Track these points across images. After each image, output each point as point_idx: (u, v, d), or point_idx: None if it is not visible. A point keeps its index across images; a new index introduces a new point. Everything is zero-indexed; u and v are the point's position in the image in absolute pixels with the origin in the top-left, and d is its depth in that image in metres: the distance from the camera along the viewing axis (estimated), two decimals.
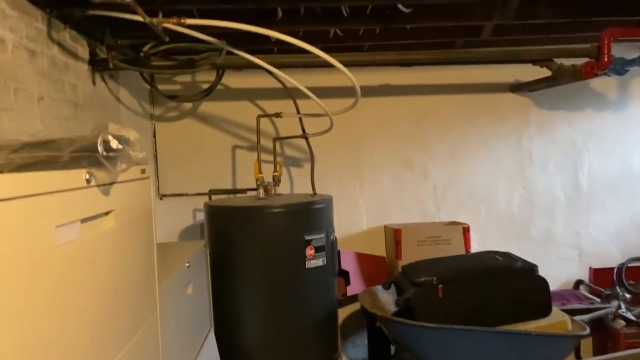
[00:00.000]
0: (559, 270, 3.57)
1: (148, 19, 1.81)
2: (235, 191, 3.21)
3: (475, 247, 3.33)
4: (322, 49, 2.16)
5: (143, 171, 1.24)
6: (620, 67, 2.38)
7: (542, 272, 3.49)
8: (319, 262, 2.48)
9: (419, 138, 3.50)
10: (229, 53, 2.36)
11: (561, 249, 3.56)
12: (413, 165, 3.51)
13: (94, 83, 2.40)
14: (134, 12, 1.77)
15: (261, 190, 2.70)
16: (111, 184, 1.03)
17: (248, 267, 2.48)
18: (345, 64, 2.49)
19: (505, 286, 2.37)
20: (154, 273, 1.34)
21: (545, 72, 2.90)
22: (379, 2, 2.41)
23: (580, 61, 2.63)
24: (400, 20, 2.62)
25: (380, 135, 3.47)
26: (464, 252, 3.14)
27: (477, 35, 2.92)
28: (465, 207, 3.53)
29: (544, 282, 2.42)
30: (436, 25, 2.88)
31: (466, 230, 3.20)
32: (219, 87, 3.06)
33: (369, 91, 3.40)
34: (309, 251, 2.43)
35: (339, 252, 3.20)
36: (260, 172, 2.75)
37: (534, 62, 2.68)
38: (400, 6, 2.47)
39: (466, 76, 3.44)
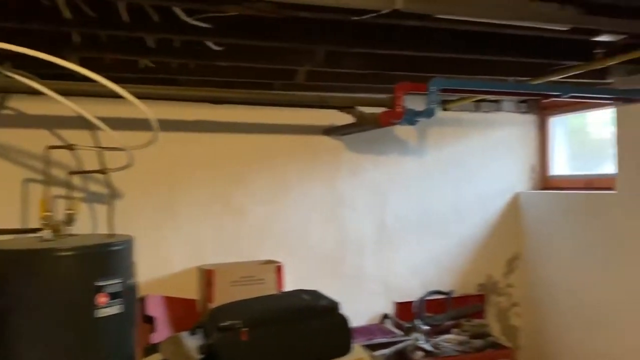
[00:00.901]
0: (368, 305, 3.75)
1: None
2: (24, 231, 2.82)
3: (291, 286, 3.34)
4: (132, 79, 2.03)
5: None
6: (411, 118, 2.60)
7: (353, 308, 3.62)
8: (114, 310, 2.26)
9: (239, 176, 3.46)
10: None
11: (370, 284, 3.75)
12: (231, 203, 3.45)
13: None
14: None
15: (48, 231, 2.40)
16: None
17: (27, 320, 2.16)
18: (150, 97, 2.37)
19: (308, 326, 2.39)
20: None
21: (352, 118, 3.08)
22: (186, 37, 2.35)
23: (379, 110, 2.84)
24: (212, 57, 2.59)
25: (198, 172, 3.36)
26: (276, 291, 3.14)
27: (292, 79, 3.02)
28: (282, 245, 3.55)
29: (344, 321, 2.49)
30: (253, 66, 2.91)
31: (279, 269, 3.21)
32: (7, 111, 2.70)
33: (183, 126, 3.30)
34: (102, 299, 2.20)
35: (144, 297, 2.98)
36: (48, 210, 2.45)
37: (340, 108, 2.83)
38: (209, 44, 2.44)
39: (286, 117, 3.52)
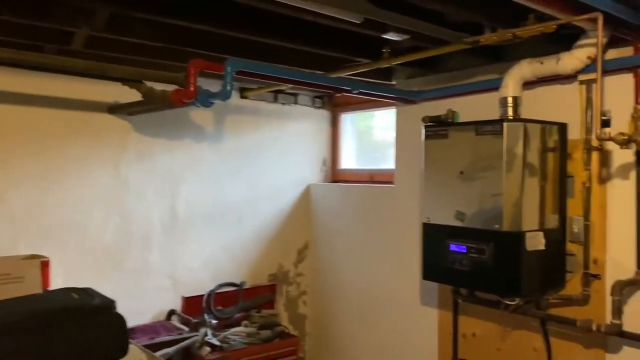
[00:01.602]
0: (155, 302, 3.47)
1: None
2: None
3: (61, 283, 2.88)
4: None
5: None
6: (205, 99, 2.43)
7: (136, 305, 3.33)
8: None
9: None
10: None
11: (157, 279, 3.48)
12: None
13: None
14: None
15: None
16: None
17: None
18: None
19: (75, 329, 2.05)
20: None
21: (140, 95, 2.78)
22: None
23: (172, 88, 2.61)
24: None
25: None
26: (40, 291, 2.68)
27: (68, 44, 2.59)
28: (51, 237, 3.07)
29: (120, 321, 2.20)
30: (17, 21, 2.42)
31: (45, 265, 2.75)
32: None
33: None
34: None
35: None
36: None
37: (123, 81, 2.51)
38: None
39: (62, 88, 3.05)
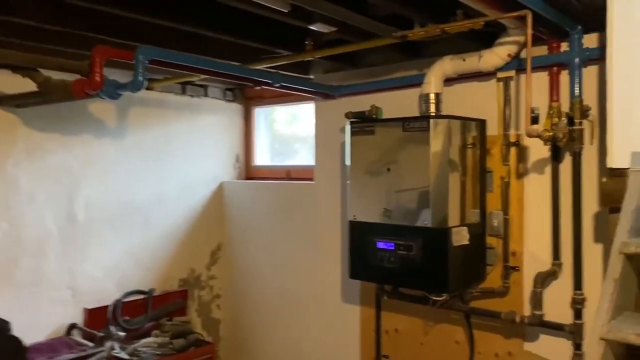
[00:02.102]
0: (51, 316, 3.10)
1: None
2: None
3: None
4: None
5: None
6: (112, 90, 2.18)
7: (30, 322, 2.96)
8: None
9: None
10: None
11: (53, 291, 3.11)
12: None
13: None
14: None
15: None
16: None
17: None
18: None
19: None
20: None
21: (34, 86, 2.44)
22: None
23: (72, 78, 2.31)
24: None
25: None
26: None
27: None
28: None
29: (17, 344, 1.91)
30: None
31: None
32: None
33: None
34: None
35: None
36: None
37: (14, 68, 2.18)
38: None
39: None
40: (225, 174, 4.02)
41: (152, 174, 3.57)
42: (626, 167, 1.75)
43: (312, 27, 2.23)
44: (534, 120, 1.93)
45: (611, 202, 1.77)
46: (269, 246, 3.70)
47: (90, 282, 3.26)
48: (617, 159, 1.74)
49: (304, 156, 3.89)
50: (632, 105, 1.73)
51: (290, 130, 4.26)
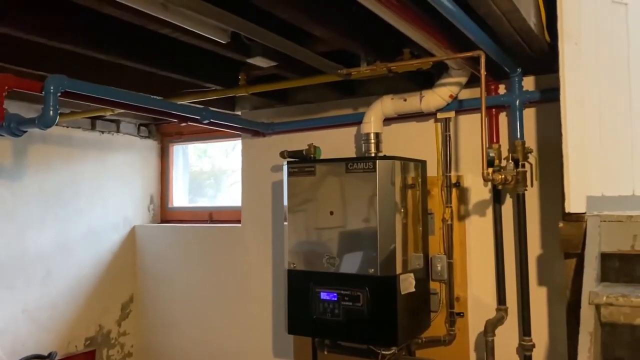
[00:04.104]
0: None
1: None
2: None
3: None
4: None
5: None
6: (15, 126, 1.84)
7: None
8: None
9: None
10: None
11: None
12: None
13: None
14: None
15: None
16: None
17: None
18: None
19: None
20: None
21: None
22: None
23: None
24: None
25: None
26: None
27: None
28: None
29: None
30: None
31: None
32: None
33: None
34: None
35: None
36: None
37: None
38: None
39: None
40: (138, 217, 3.65)
41: (55, 219, 3.13)
42: (582, 211, 1.72)
43: (250, 61, 2.04)
44: (490, 163, 1.88)
45: (569, 247, 1.73)
46: (189, 297, 3.37)
47: None
48: (573, 204, 1.71)
49: (228, 196, 3.65)
50: (587, 148, 1.72)
51: (208, 167, 4.00)
